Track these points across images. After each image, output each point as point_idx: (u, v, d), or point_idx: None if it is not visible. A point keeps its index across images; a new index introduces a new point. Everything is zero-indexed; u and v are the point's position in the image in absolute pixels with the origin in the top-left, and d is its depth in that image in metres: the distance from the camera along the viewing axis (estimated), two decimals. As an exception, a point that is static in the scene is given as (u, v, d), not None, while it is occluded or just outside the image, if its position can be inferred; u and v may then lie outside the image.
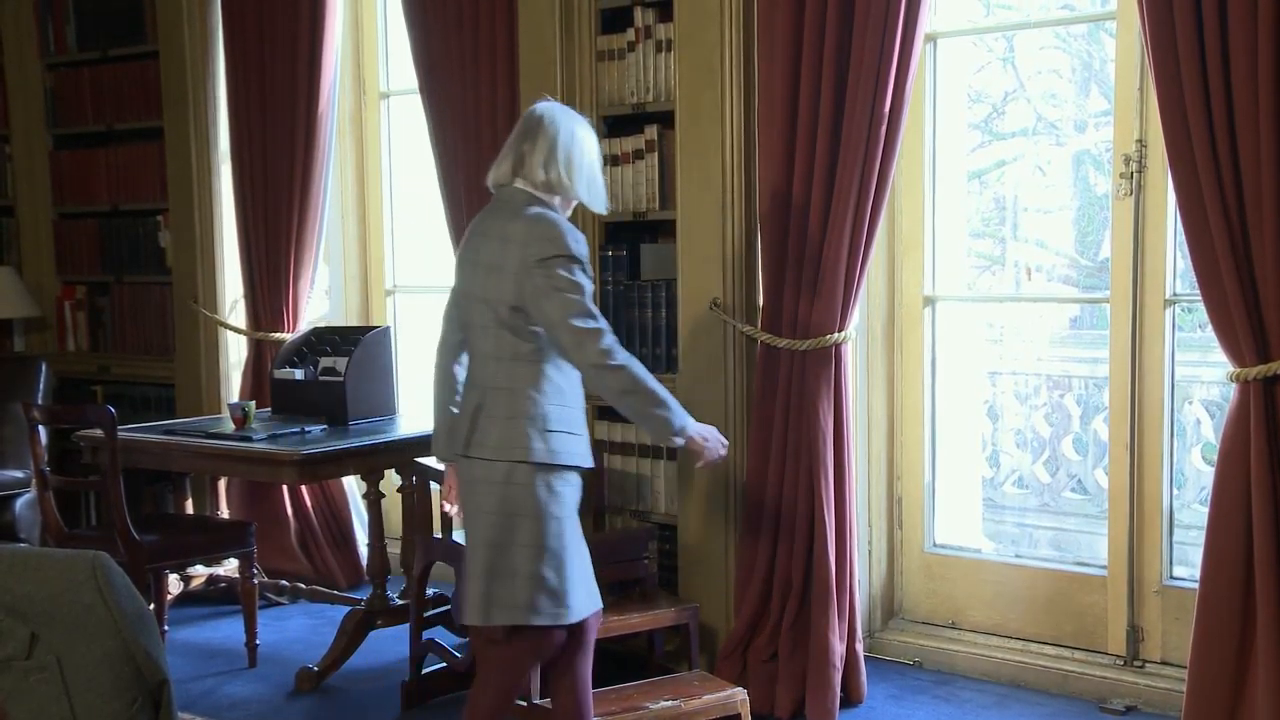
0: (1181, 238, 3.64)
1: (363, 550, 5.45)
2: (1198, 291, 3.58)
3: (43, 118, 6.40)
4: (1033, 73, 8.88)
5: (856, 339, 4.34)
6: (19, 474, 5.54)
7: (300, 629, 5.21)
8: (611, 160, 4.63)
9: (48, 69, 6.37)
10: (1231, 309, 3.47)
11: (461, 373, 3.44)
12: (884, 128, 4.00)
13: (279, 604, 5.48)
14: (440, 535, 4.26)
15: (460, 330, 3.43)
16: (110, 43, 6.12)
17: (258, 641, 4.81)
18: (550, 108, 3.38)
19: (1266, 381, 3.46)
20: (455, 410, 3.39)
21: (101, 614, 1.94)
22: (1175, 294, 4.06)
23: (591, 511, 4.60)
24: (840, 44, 4.05)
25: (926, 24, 4.09)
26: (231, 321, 5.83)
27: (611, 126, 4.66)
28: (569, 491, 3.23)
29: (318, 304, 5.86)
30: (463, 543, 4.17)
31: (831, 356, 4.15)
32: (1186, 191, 3.52)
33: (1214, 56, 3.43)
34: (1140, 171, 4.02)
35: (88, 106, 6.25)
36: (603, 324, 3.19)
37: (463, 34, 4.88)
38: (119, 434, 4.52)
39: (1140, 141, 4.02)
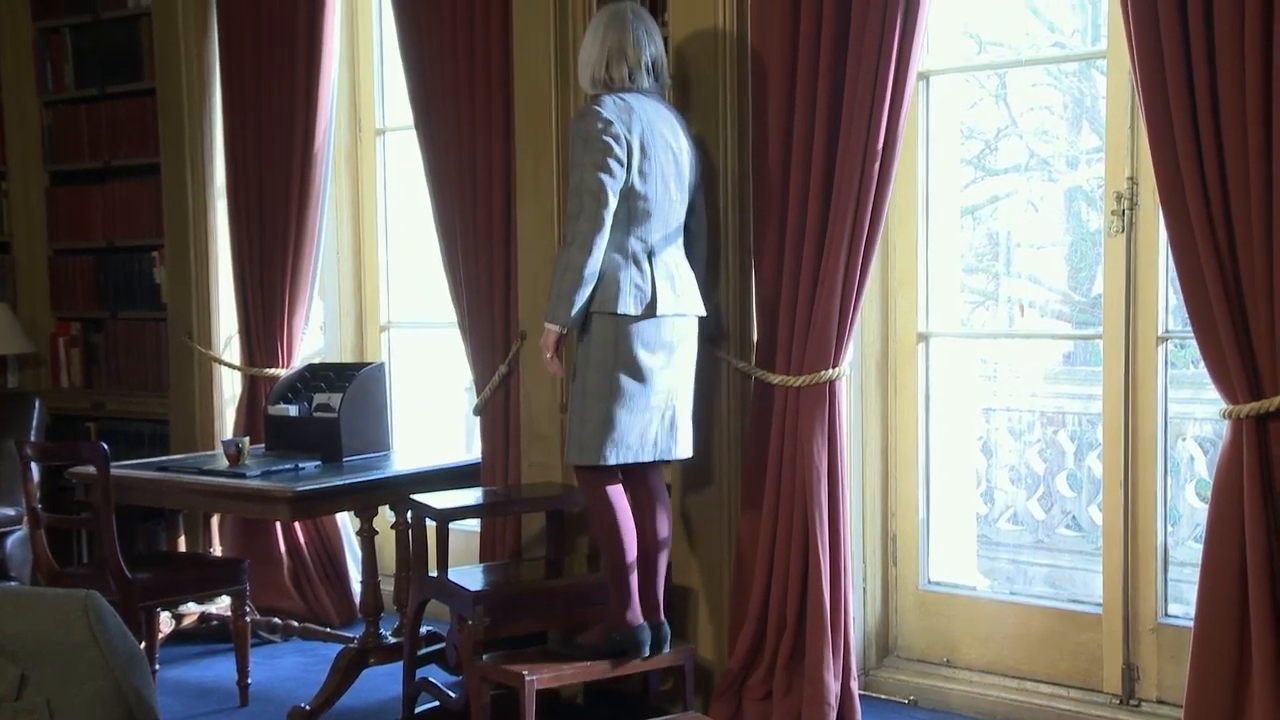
0: (1174, 274, 3.65)
1: (356, 587, 5.43)
2: (1190, 328, 3.59)
3: (40, 154, 6.42)
4: (1025, 109, 8.94)
5: (851, 375, 4.34)
6: (10, 511, 5.52)
7: (292, 667, 5.18)
8: (606, 197, 4.65)
9: (45, 106, 6.39)
10: (1224, 346, 3.48)
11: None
12: (877, 164, 4.02)
13: (271, 642, 5.45)
14: (435, 573, 4.25)
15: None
16: (108, 80, 6.15)
17: (249, 680, 4.78)
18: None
19: (1259, 419, 3.46)
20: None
21: (93, 654, 1.93)
22: (1168, 330, 4.07)
23: (587, 552, 4.59)
24: (834, 81, 4.07)
25: (919, 62, 4.12)
26: (226, 358, 5.83)
27: (606, 164, 4.67)
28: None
29: (312, 340, 5.86)
30: (459, 580, 4.18)
31: (826, 393, 4.16)
32: (1178, 229, 3.53)
33: (1203, 95, 3.46)
34: (1132, 209, 4.04)
35: (85, 143, 6.27)
36: None
37: (458, 70, 4.91)
38: (112, 470, 4.50)
39: (1132, 179, 4.04)
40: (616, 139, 3.86)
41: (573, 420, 4.01)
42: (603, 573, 4.24)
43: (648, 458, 4.02)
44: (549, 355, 3.98)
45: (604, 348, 3.91)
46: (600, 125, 3.86)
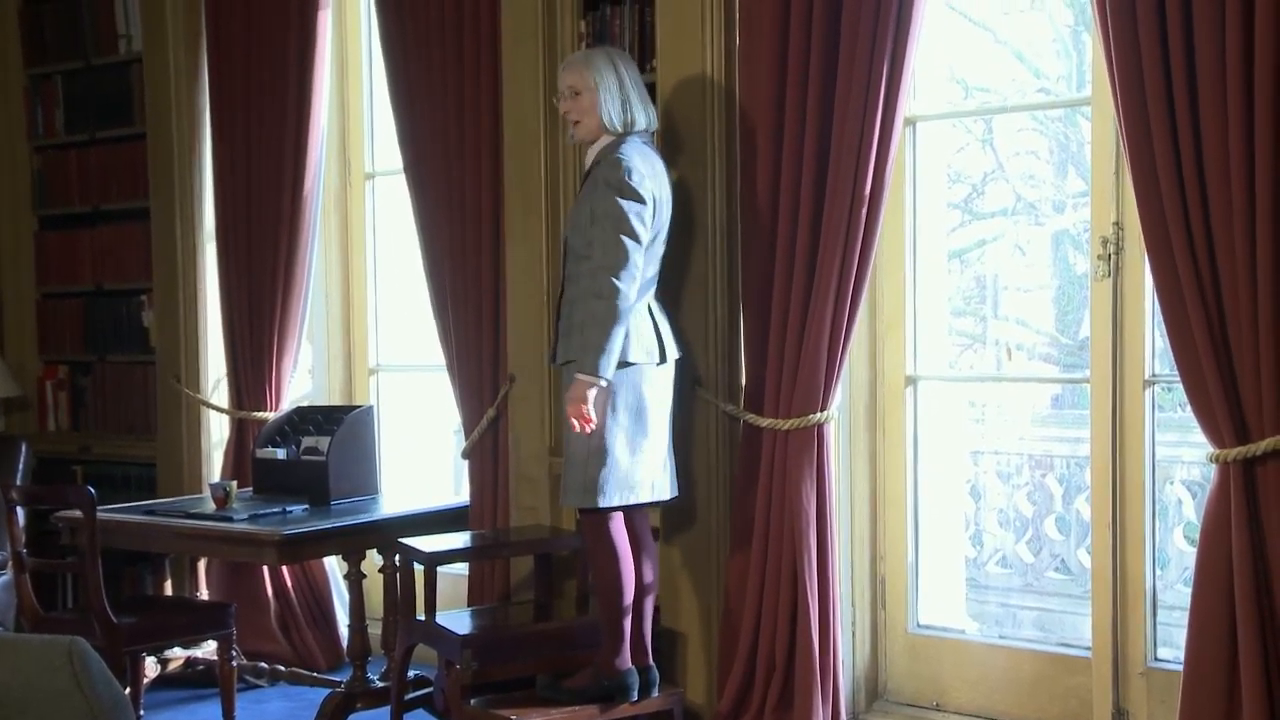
0: (1160, 318, 3.67)
1: (343, 631, 5.39)
2: (1177, 372, 3.61)
3: (29, 199, 6.43)
4: (1011, 154, 8.99)
5: (839, 418, 4.35)
6: (-4, 555, 5.49)
7: (279, 712, 5.14)
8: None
9: (35, 151, 6.41)
10: (1210, 390, 3.50)
11: None
12: (865, 210, 4.05)
13: (258, 686, 5.40)
14: (422, 617, 4.23)
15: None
16: (99, 125, 6.17)
17: (236, 725, 4.75)
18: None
19: (1246, 463, 3.47)
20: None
21: (78, 702, 1.91)
22: (1155, 374, 4.08)
23: (576, 596, 4.57)
24: (821, 127, 4.10)
25: (906, 108, 4.15)
26: (214, 401, 5.81)
27: (595, 208, 4.69)
28: None
29: (301, 383, 5.85)
30: (447, 624, 4.16)
31: (814, 436, 4.16)
32: (1163, 274, 3.56)
33: (1186, 141, 3.49)
34: (1118, 253, 4.06)
35: (74, 187, 6.28)
36: None
37: (447, 114, 4.94)
38: (98, 514, 4.48)
39: (1117, 224, 4.06)
40: (648, 192, 3.94)
41: (571, 464, 4.00)
42: (591, 616, 4.23)
43: (648, 499, 4.07)
44: (587, 408, 3.86)
45: (613, 393, 3.94)
46: (636, 177, 3.92)
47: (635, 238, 3.90)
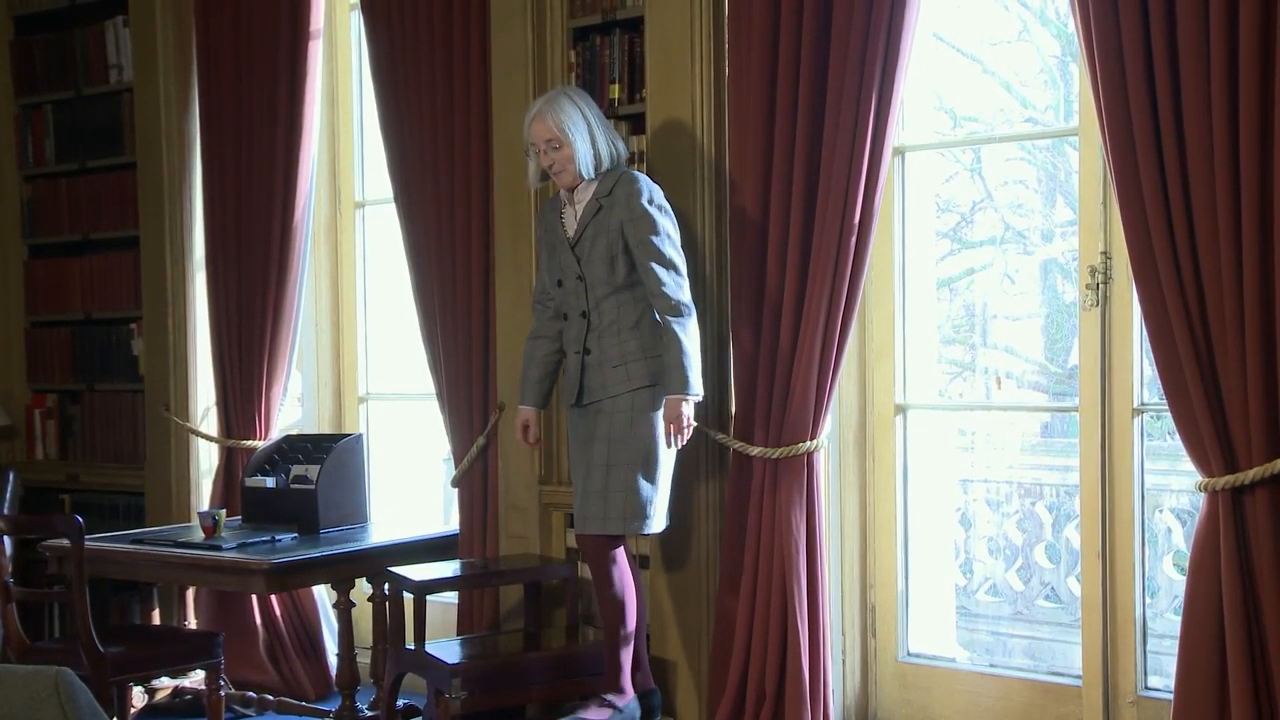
0: (1148, 347, 3.69)
1: (332, 660, 5.38)
2: (1165, 400, 3.62)
3: (19, 228, 6.43)
4: (1000, 183, 9.03)
5: (829, 447, 4.36)
6: (-17, 585, 5.46)
7: (267, 743, 5.12)
8: (585, 270, 4.67)
9: (25, 180, 6.41)
10: (1198, 420, 3.51)
11: None
12: (854, 239, 4.07)
13: (246, 716, 5.37)
14: (412, 645, 4.21)
15: None
16: (89, 154, 6.18)
17: (223, 756, 4.72)
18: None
19: (1234, 491, 3.48)
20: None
21: (64, 733, 1.91)
22: (1143, 403, 4.09)
23: (565, 625, 4.56)
24: (810, 157, 4.13)
25: (895, 138, 4.18)
26: (203, 429, 5.80)
27: (585, 237, 4.70)
28: None
29: (290, 411, 5.84)
30: (436, 653, 4.15)
31: (804, 464, 4.17)
32: (1151, 304, 3.58)
33: (1173, 171, 3.51)
34: (1106, 283, 4.08)
35: (64, 216, 6.28)
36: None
37: (438, 144, 4.95)
38: (86, 543, 4.46)
39: (1105, 253, 4.08)
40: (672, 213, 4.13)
41: (612, 492, 4.00)
42: (581, 645, 4.22)
43: (666, 523, 4.15)
44: (688, 420, 4.01)
45: (657, 423, 4.04)
46: (667, 202, 4.10)
47: (681, 254, 4.08)
